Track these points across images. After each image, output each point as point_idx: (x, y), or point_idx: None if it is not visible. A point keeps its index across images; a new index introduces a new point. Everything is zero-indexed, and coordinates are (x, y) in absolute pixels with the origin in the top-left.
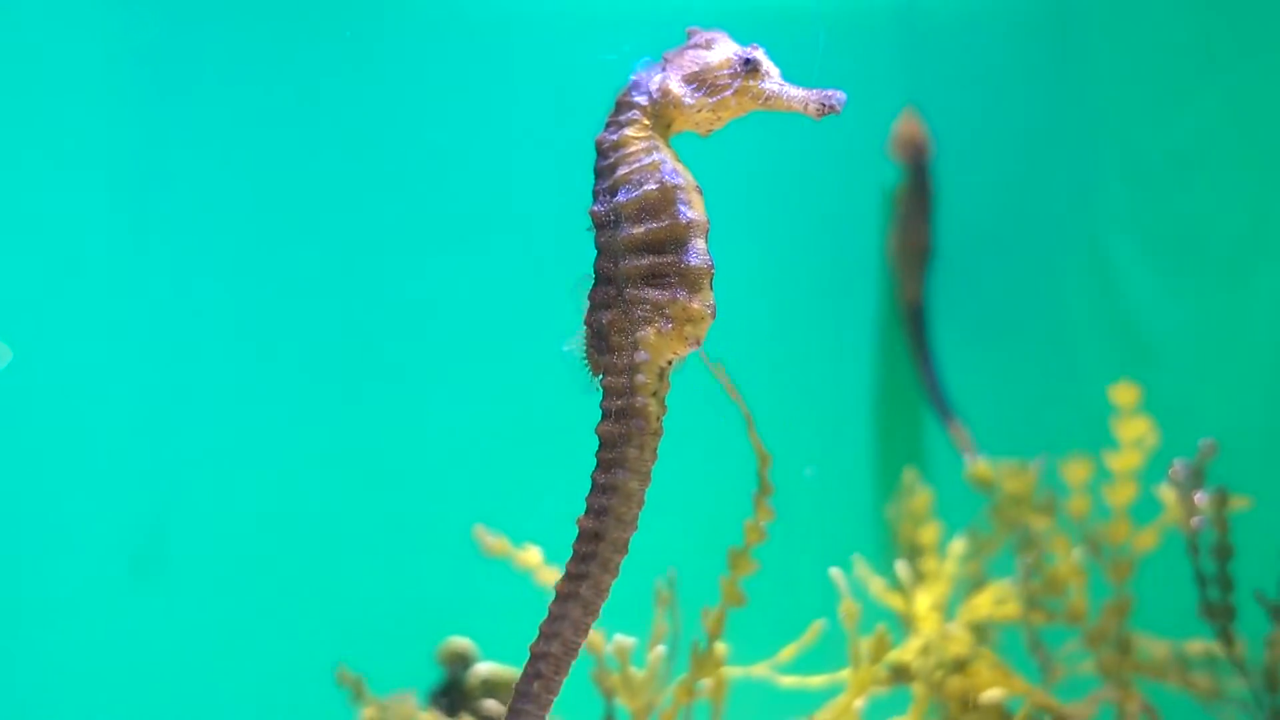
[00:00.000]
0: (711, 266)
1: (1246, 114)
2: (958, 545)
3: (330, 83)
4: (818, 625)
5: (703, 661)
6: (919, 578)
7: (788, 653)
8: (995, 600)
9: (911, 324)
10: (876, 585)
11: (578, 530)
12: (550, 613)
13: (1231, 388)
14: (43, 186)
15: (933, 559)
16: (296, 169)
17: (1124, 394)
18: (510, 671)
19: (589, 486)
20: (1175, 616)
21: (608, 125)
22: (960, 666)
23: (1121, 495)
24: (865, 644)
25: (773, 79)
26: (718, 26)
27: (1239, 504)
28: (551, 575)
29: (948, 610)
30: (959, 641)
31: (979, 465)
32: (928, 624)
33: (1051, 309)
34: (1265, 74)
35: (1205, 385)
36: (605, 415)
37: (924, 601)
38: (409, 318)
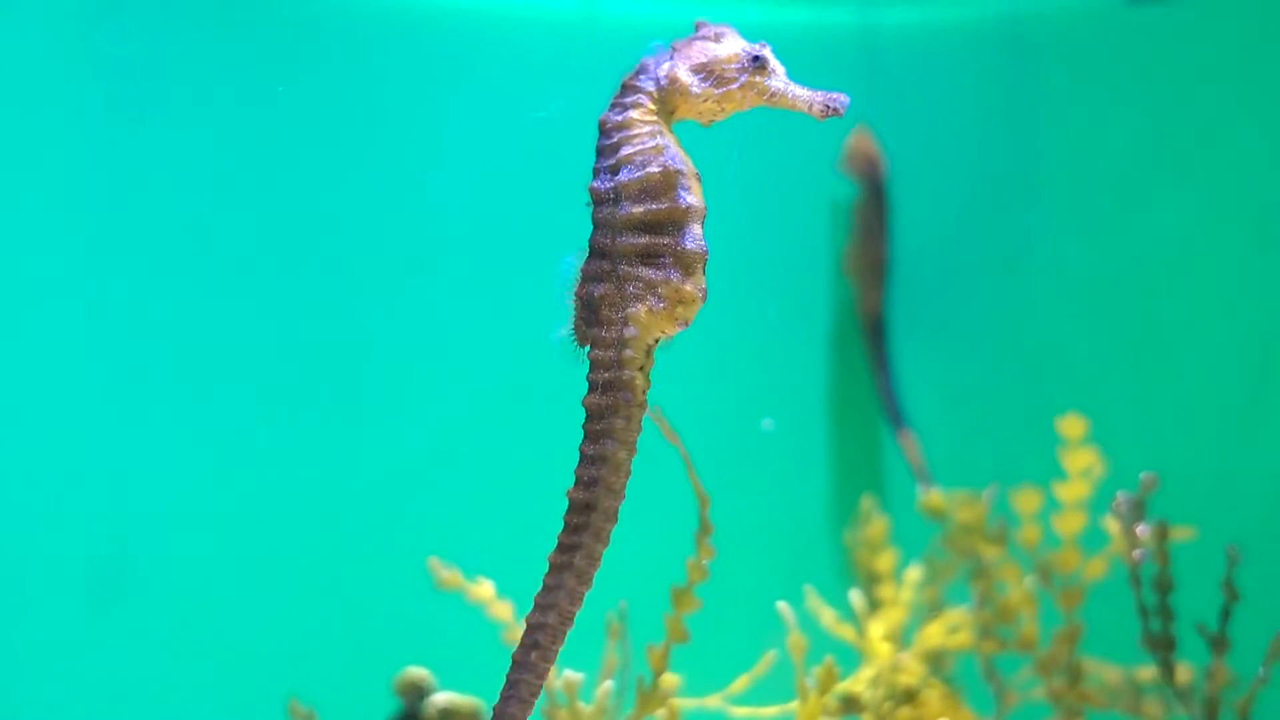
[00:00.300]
0: (706, 252)
1: (1188, 135)
2: (913, 572)
3: (297, 91)
4: (769, 656)
5: (648, 698)
6: (875, 605)
7: (740, 684)
8: (949, 629)
9: (871, 335)
10: (828, 616)
11: (568, 502)
12: (545, 585)
13: (1177, 407)
14: None
15: (889, 586)
16: (253, 182)
17: (1071, 426)
18: (469, 701)
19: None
20: (1127, 643)
21: (612, 106)
22: (910, 697)
23: (1070, 525)
24: (814, 675)
25: (778, 76)
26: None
27: (1182, 535)
28: (505, 609)
29: (905, 637)
30: (909, 672)
31: (932, 495)
32: (880, 654)
33: (1009, 322)
34: (1204, 98)
35: (1158, 402)
36: (592, 388)
37: (877, 631)
38: (362, 350)
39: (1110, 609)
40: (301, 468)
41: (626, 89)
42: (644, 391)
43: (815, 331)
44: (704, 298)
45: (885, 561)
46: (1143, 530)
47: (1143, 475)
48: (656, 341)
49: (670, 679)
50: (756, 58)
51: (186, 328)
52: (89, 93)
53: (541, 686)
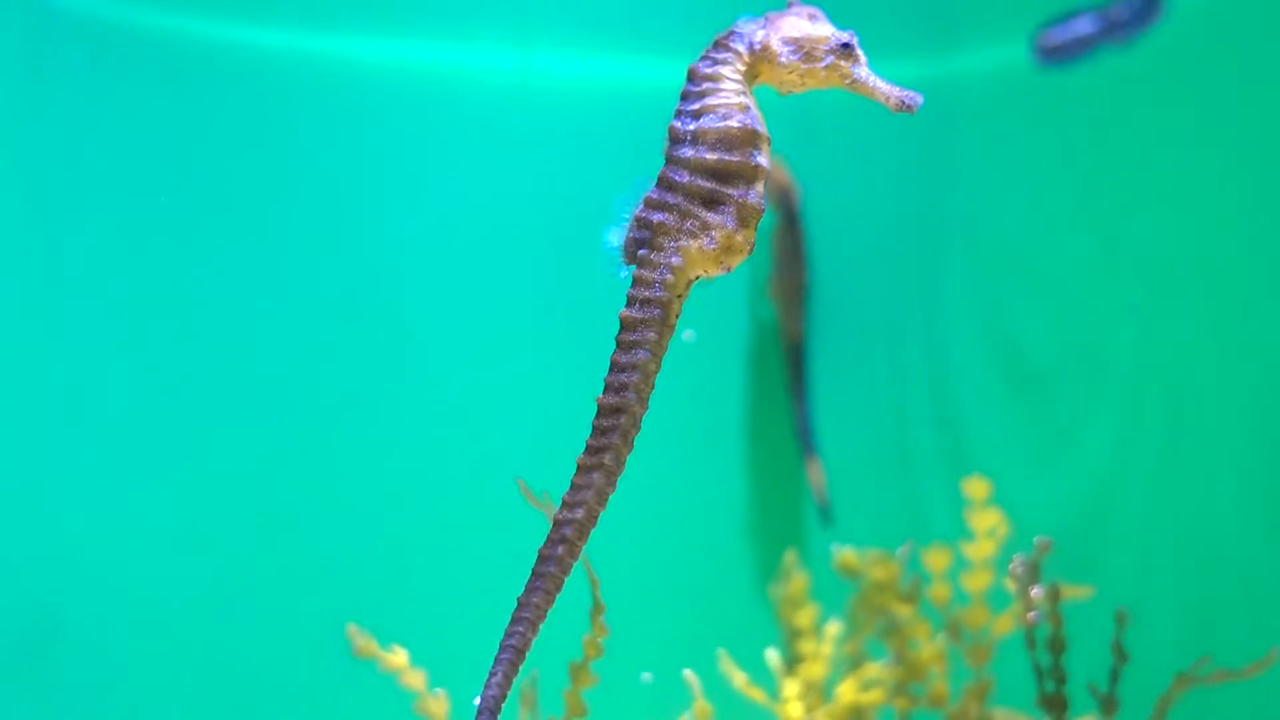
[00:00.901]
0: (763, 210)
1: (1096, 189)
2: (833, 627)
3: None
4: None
5: None
6: (797, 660)
7: None
8: (863, 685)
9: (791, 357)
10: (739, 679)
11: (598, 407)
12: (573, 485)
13: (1083, 463)
14: None
15: (810, 641)
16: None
17: (975, 488)
18: None
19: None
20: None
21: (703, 58)
22: None
23: (977, 582)
24: None
25: (862, 65)
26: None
27: (1079, 594)
28: (417, 678)
29: (825, 693)
30: None
31: (845, 554)
32: (792, 717)
33: (922, 357)
34: (1110, 157)
35: (1086, 424)
36: (630, 302)
37: (792, 690)
38: (289, 411)
39: (1020, 663)
40: (221, 525)
41: (719, 45)
42: (676, 317)
43: (734, 354)
44: (750, 250)
45: (805, 617)
46: (1036, 592)
47: (1037, 539)
48: (696, 278)
49: None
50: (846, 44)
51: (94, 403)
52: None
53: (564, 581)
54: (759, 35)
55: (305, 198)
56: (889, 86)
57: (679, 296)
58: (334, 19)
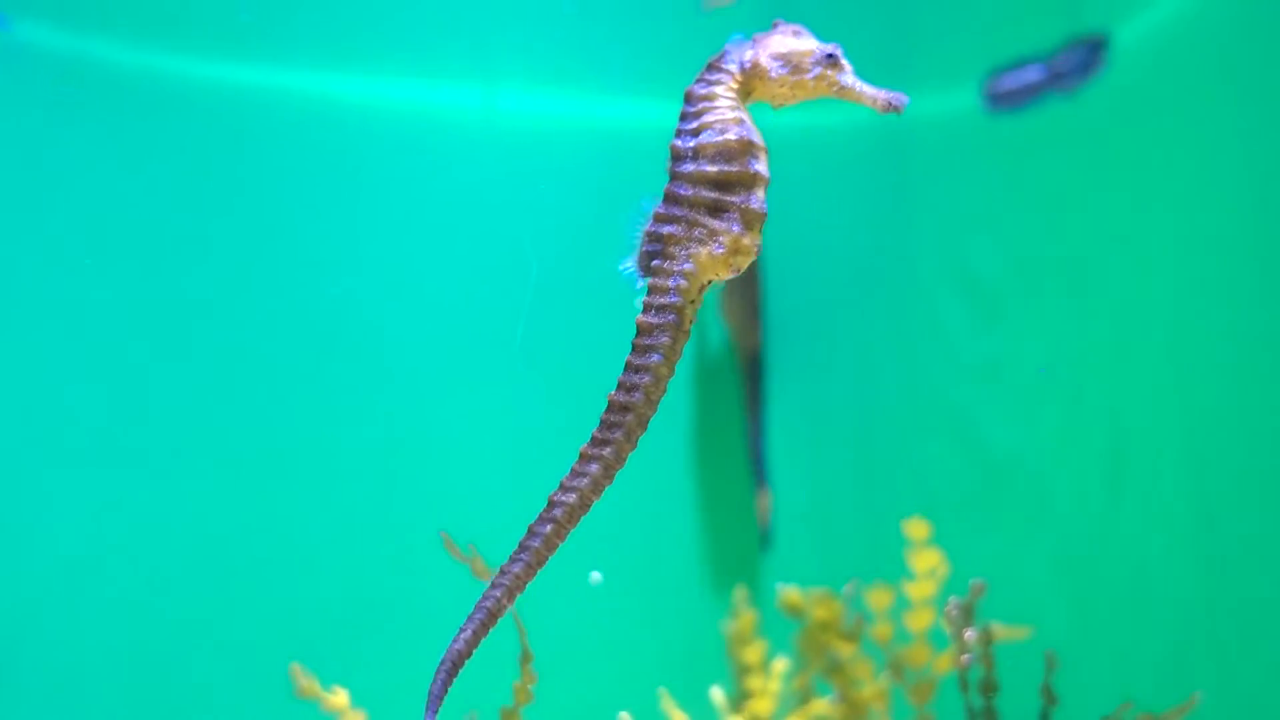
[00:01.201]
0: (766, 213)
1: (1045, 235)
2: (780, 664)
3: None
4: None
5: None
6: (745, 696)
7: None
8: None
9: (748, 371)
10: (679, 718)
11: (608, 403)
12: (573, 470)
13: (1025, 506)
14: None
15: (758, 677)
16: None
17: (915, 529)
18: None
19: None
20: None
21: (698, 80)
22: None
23: (919, 621)
24: None
25: (848, 74)
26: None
27: (1016, 635)
28: (357, 717)
29: None
30: None
31: (789, 593)
32: None
33: (875, 389)
34: (1060, 201)
35: (1007, 499)
36: (646, 309)
37: None
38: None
39: (962, 701)
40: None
41: (712, 67)
42: (690, 323)
43: (685, 375)
44: (758, 252)
45: (754, 653)
46: (970, 634)
47: (972, 581)
48: (709, 283)
49: None
50: (830, 55)
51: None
52: None
53: (548, 558)
54: (748, 55)
55: (265, 233)
56: (875, 90)
57: (692, 302)
58: (299, 55)
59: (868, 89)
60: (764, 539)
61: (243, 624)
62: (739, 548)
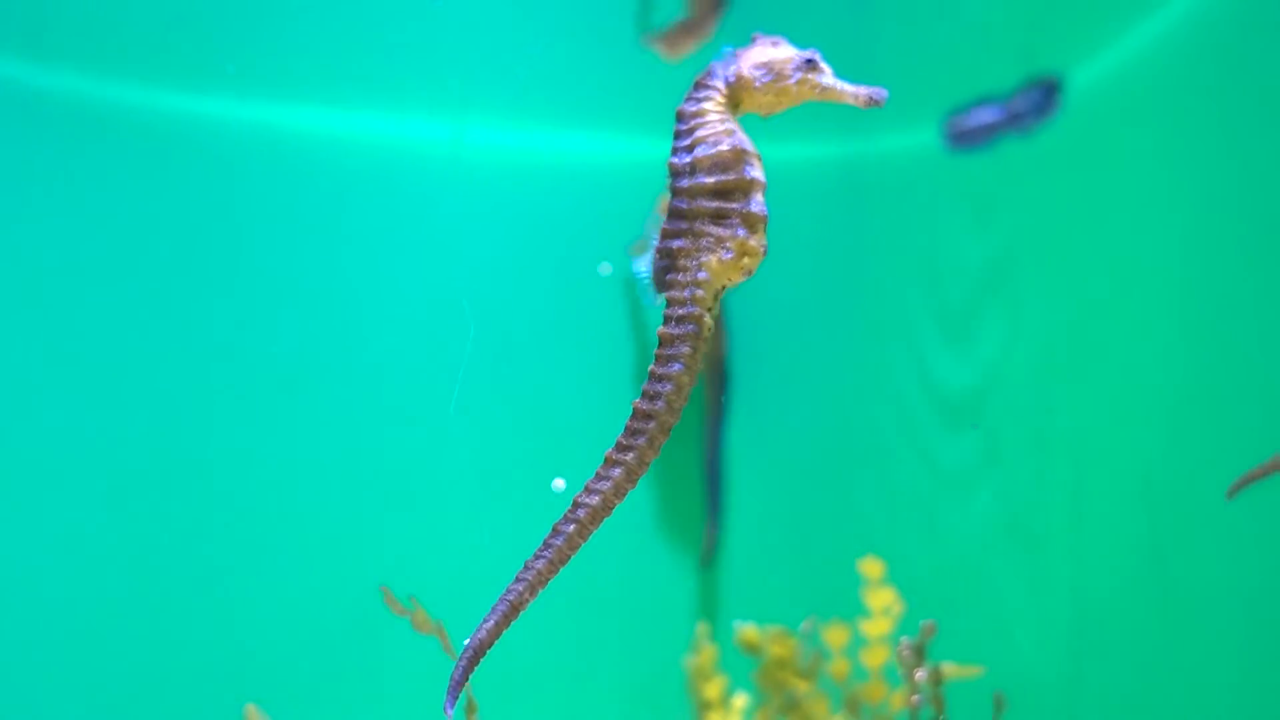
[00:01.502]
0: (767, 215)
1: (1005, 270)
2: (740, 699)
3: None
4: None
5: None
6: None
7: None
8: None
9: (713, 376)
10: None
11: (633, 410)
12: (598, 474)
13: (976, 542)
14: None
15: (718, 713)
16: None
17: (870, 567)
18: None
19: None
20: None
21: (687, 99)
22: None
23: (875, 659)
24: None
25: (828, 75)
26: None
27: (968, 673)
28: None
29: None
30: None
31: (746, 630)
32: None
33: (835, 421)
34: (1021, 237)
35: (957, 534)
36: (666, 321)
37: None
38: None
39: None
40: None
41: (699, 85)
42: (709, 330)
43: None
44: (765, 252)
45: (714, 689)
46: (920, 674)
47: (923, 622)
48: (724, 288)
49: None
50: (810, 60)
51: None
52: None
53: (570, 556)
54: (731, 69)
55: (227, 268)
56: (855, 87)
57: (709, 310)
58: (267, 89)
59: (848, 87)
60: (707, 559)
61: (212, 648)
62: (685, 566)
